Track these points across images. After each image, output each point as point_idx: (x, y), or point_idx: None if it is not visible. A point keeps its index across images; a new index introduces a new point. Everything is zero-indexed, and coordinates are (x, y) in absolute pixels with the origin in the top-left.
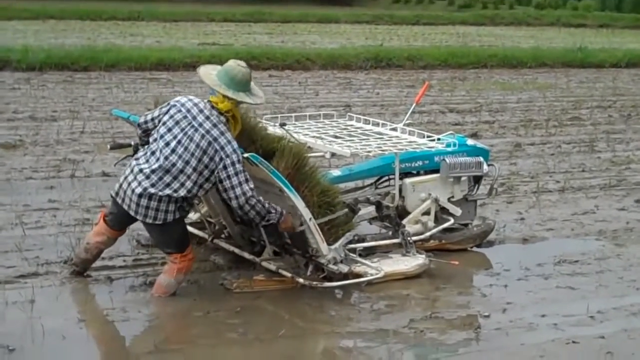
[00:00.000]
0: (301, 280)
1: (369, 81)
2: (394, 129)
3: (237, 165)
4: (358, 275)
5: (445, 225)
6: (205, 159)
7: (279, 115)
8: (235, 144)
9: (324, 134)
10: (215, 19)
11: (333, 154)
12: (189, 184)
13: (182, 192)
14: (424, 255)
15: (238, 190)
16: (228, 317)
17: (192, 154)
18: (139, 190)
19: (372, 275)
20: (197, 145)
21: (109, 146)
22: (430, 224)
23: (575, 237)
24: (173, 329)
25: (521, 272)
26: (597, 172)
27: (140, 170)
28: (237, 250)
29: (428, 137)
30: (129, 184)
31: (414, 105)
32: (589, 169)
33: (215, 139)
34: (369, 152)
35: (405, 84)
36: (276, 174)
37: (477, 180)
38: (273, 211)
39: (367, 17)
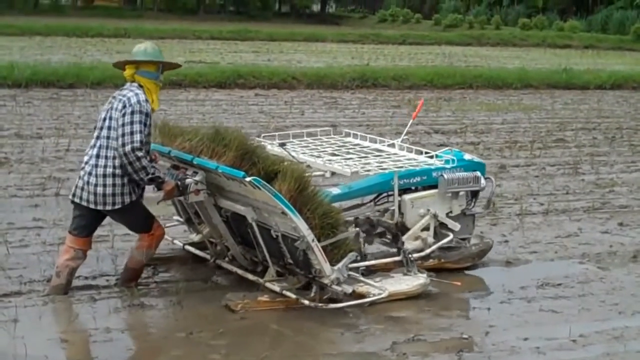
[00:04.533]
0: (306, 301)
1: (354, 101)
2: (392, 145)
3: (137, 116)
4: (361, 295)
5: (445, 240)
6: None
7: (277, 134)
8: (141, 97)
9: (323, 152)
10: (202, 37)
11: (333, 173)
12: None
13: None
14: (425, 275)
15: (127, 134)
16: (211, 338)
17: (114, 119)
18: (93, 180)
19: (376, 295)
20: (116, 110)
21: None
22: (430, 239)
23: (558, 260)
24: (156, 350)
25: (504, 295)
26: (581, 195)
27: (86, 163)
28: (240, 271)
29: (426, 153)
30: (85, 182)
31: (410, 121)
32: (573, 191)
33: (124, 95)
34: (369, 171)
35: (391, 104)
36: (279, 197)
37: (474, 194)
38: (152, 170)
39: (354, 36)
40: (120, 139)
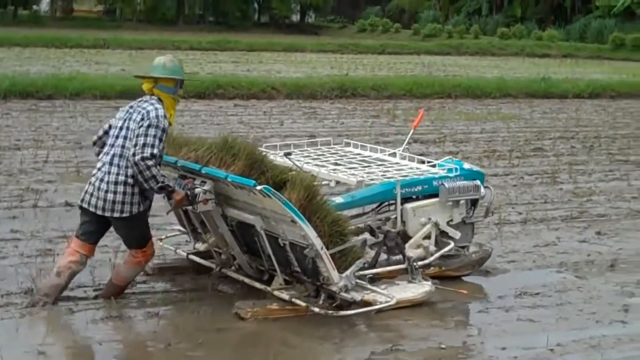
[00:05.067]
0: (316, 309)
1: (334, 111)
2: (393, 155)
3: (153, 129)
4: (368, 303)
5: (447, 249)
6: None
7: (278, 144)
8: (160, 112)
9: (325, 161)
10: (181, 47)
11: (338, 182)
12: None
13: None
14: (429, 282)
15: (140, 145)
16: (190, 349)
17: (131, 129)
18: (104, 186)
19: (383, 302)
20: (134, 121)
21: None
22: (432, 248)
23: (536, 269)
24: None
25: (482, 305)
26: (559, 204)
27: (99, 169)
28: (247, 280)
29: (428, 162)
30: (96, 188)
31: (412, 131)
32: (551, 200)
33: (144, 108)
34: (374, 180)
35: (370, 114)
36: (289, 205)
37: (473, 202)
38: (161, 179)
39: (333, 46)
40: (132, 149)
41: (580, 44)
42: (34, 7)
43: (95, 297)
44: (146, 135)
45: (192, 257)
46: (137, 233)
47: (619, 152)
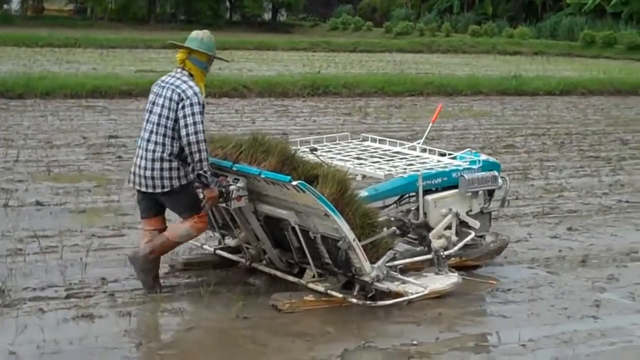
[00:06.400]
0: (354, 300)
1: (305, 109)
2: (412, 148)
3: (196, 107)
4: (400, 294)
5: (468, 238)
6: (173, 105)
7: (298, 140)
8: (196, 89)
9: (347, 156)
10: (153, 46)
11: (364, 176)
12: (170, 133)
13: (174, 146)
14: (456, 274)
15: (190, 124)
16: (161, 348)
17: (165, 106)
18: (142, 163)
19: (416, 292)
20: (166, 97)
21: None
22: (454, 238)
23: (508, 265)
24: None
25: (454, 301)
26: (531, 200)
27: (139, 147)
28: (279, 274)
29: (449, 154)
30: (137, 166)
31: (430, 125)
32: (523, 196)
33: (178, 86)
34: (402, 173)
35: (342, 112)
36: (323, 199)
37: (490, 193)
38: (207, 167)
39: (305, 44)
40: (183, 130)
41: (552, 41)
42: (5, 6)
43: (67, 297)
44: (193, 114)
45: (219, 252)
46: (186, 203)
47: (589, 148)
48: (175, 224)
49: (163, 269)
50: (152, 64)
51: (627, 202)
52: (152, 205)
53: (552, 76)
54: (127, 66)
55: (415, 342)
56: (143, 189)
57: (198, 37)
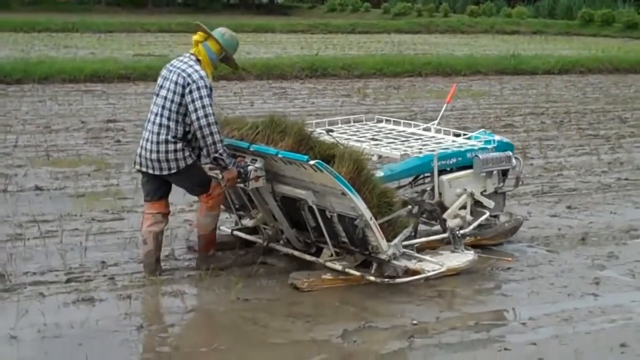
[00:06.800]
0: (372, 277)
1: (304, 90)
2: (427, 129)
3: (203, 90)
4: (417, 272)
5: (483, 217)
6: (179, 89)
7: (314, 121)
8: (202, 73)
9: (363, 137)
10: (150, 30)
11: (380, 157)
12: (174, 117)
13: (178, 129)
14: (472, 252)
15: (199, 108)
16: (161, 331)
17: (171, 90)
18: (149, 146)
19: (432, 270)
20: (172, 81)
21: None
22: (469, 217)
23: (507, 244)
24: (106, 345)
25: (454, 280)
26: (530, 179)
27: (145, 129)
28: (296, 253)
29: (464, 135)
30: (143, 148)
31: (445, 105)
32: (522, 175)
33: (184, 70)
34: (419, 152)
35: (340, 93)
36: (340, 178)
37: (504, 173)
38: (222, 149)
39: (303, 26)
40: (193, 114)
41: (550, 20)
42: None
43: (67, 281)
44: (201, 98)
45: (236, 233)
46: (195, 181)
47: (588, 126)
48: (197, 218)
49: (164, 251)
50: (150, 48)
51: (626, 179)
52: (157, 188)
53: (550, 55)
54: (125, 50)
55: (415, 322)
56: (150, 171)
57: (222, 30)
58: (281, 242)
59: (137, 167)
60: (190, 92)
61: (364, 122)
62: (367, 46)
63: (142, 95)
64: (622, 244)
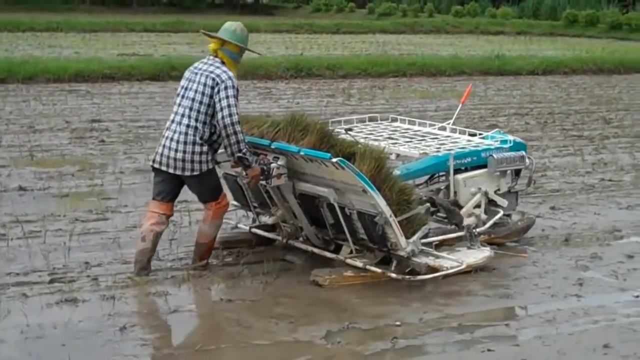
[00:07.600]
0: (393, 274)
1: (289, 91)
2: (442, 129)
3: (230, 91)
4: (435, 269)
5: (497, 216)
6: (208, 90)
7: (330, 120)
8: (230, 73)
9: (380, 136)
10: (135, 29)
11: (398, 155)
12: (202, 118)
13: (205, 131)
14: (488, 248)
15: (225, 107)
16: (144, 332)
17: (199, 92)
18: (173, 145)
19: (451, 267)
20: (200, 83)
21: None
22: (483, 216)
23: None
24: (89, 346)
25: (438, 282)
26: None
27: (168, 129)
28: (316, 250)
29: (479, 135)
30: (166, 147)
31: (459, 106)
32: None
33: (212, 72)
34: (437, 151)
35: (325, 94)
36: (361, 175)
37: (517, 172)
38: (245, 148)
39: (288, 26)
40: (220, 113)
41: (534, 21)
42: None
43: (50, 282)
44: (227, 97)
45: (255, 230)
46: (210, 187)
47: (572, 127)
48: (200, 226)
49: None
50: (135, 48)
51: (610, 180)
52: (171, 189)
53: (535, 56)
54: (109, 50)
55: (398, 323)
56: (171, 171)
57: (231, 28)
58: (300, 239)
59: (156, 165)
60: (219, 91)
61: (379, 122)
62: (351, 46)
63: (126, 95)
64: (606, 244)
